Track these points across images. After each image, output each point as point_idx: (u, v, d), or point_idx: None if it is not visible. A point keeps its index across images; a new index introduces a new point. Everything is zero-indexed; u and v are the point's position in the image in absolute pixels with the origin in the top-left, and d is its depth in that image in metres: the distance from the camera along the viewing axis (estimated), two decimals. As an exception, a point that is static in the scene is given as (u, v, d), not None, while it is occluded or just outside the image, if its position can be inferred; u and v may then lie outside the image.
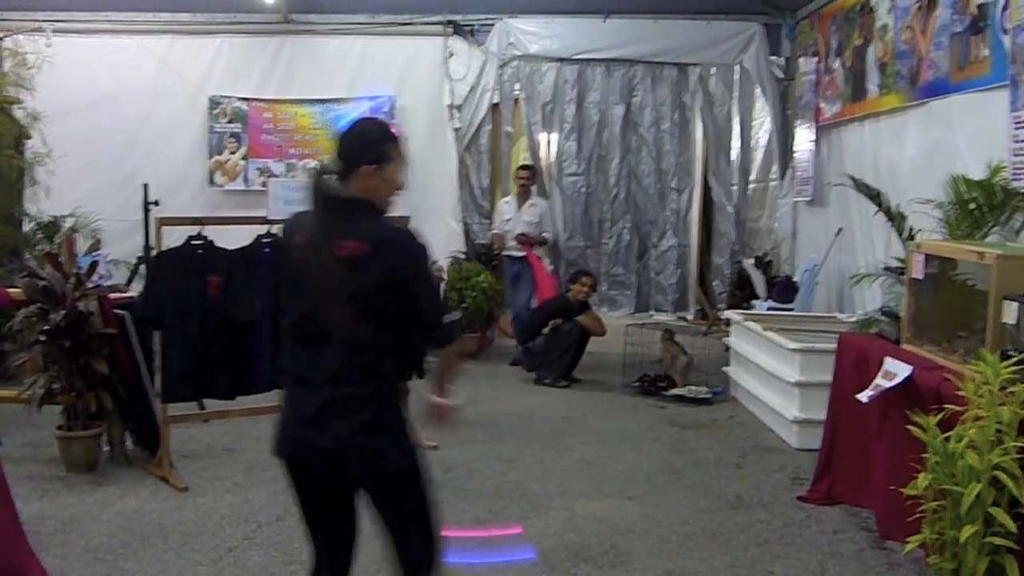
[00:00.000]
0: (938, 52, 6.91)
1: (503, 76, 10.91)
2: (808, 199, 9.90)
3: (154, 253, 6.19)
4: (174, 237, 5.99)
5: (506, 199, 10.12)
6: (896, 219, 6.42)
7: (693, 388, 8.16)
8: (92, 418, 6.02)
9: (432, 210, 10.43)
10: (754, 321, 7.87)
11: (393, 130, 3.20)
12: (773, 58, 10.82)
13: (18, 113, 9.01)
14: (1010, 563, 3.46)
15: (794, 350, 6.68)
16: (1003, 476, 3.43)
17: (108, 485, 5.75)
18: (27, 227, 9.19)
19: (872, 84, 8.19)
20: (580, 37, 10.85)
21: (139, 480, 5.85)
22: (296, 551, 4.50)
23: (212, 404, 6.12)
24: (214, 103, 10.65)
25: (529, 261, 9.64)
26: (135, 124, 10.54)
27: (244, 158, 10.74)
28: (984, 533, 3.49)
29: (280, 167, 10.70)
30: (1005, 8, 5.91)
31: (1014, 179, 5.68)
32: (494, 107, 11.08)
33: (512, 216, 9.70)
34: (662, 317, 11.20)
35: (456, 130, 10.74)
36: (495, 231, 9.99)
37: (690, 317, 11.52)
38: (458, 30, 10.76)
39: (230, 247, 5.92)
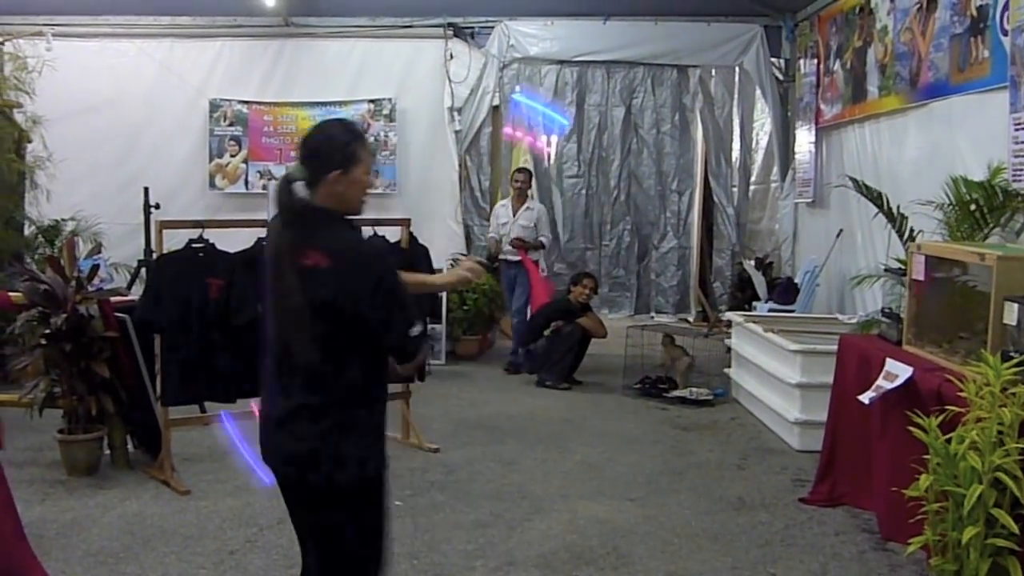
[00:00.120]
0: (938, 53, 6.91)
1: (503, 78, 10.90)
2: (809, 200, 9.90)
3: (155, 256, 6.20)
4: (175, 240, 6.00)
5: (502, 203, 10.05)
6: (897, 220, 6.42)
7: (694, 390, 8.16)
8: (93, 421, 6.03)
9: (433, 212, 10.46)
10: (755, 323, 7.87)
11: (358, 129, 3.15)
12: (773, 60, 10.82)
13: (19, 117, 9.01)
14: (1012, 564, 3.46)
15: (795, 351, 6.68)
16: (1005, 477, 3.43)
17: (109, 488, 5.75)
18: (28, 231, 9.20)
19: (872, 86, 8.19)
20: (580, 39, 10.85)
21: (140, 483, 5.85)
22: (297, 554, 4.48)
23: (213, 407, 6.12)
24: (214, 106, 10.65)
25: (524, 266, 9.56)
26: (136, 127, 10.54)
27: (245, 161, 10.75)
28: (986, 534, 3.49)
29: (281, 170, 10.67)
30: (1005, 9, 5.91)
31: (1014, 180, 5.69)
32: (494, 109, 11.07)
33: (508, 220, 9.63)
34: (663, 319, 11.21)
35: (456, 132, 10.73)
36: (491, 235, 9.94)
37: (691, 319, 11.53)
38: (458, 33, 10.76)
39: (231, 250, 5.93)
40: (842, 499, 5.49)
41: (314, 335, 2.88)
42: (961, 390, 3.80)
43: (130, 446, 6.31)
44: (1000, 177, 5.76)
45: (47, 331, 5.81)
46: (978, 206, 5.73)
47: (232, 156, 10.70)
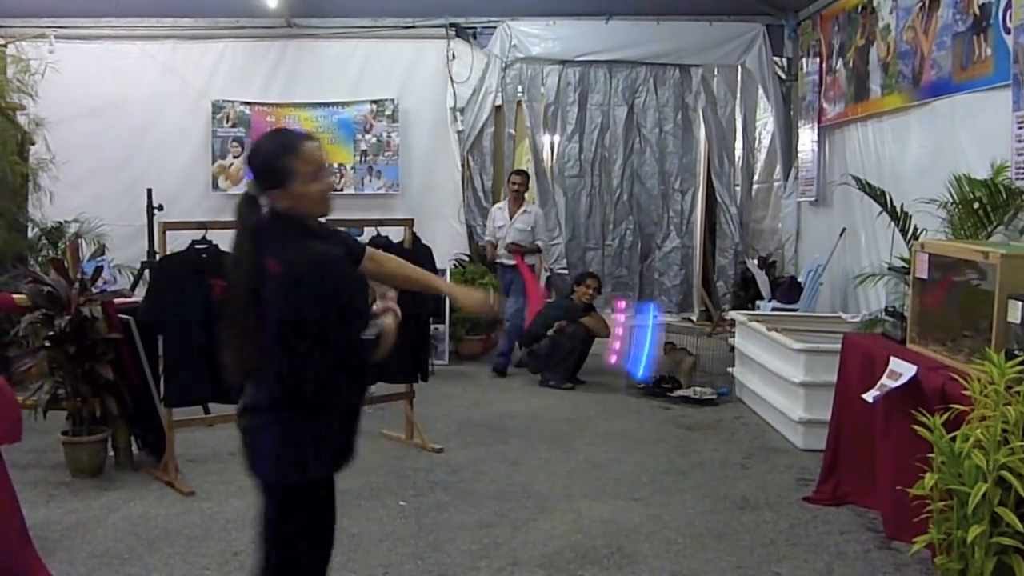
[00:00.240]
0: (940, 52, 6.91)
1: (506, 78, 10.90)
2: (812, 199, 9.90)
3: (158, 258, 6.20)
4: (178, 241, 6.00)
5: (499, 205, 9.98)
6: (900, 219, 6.42)
7: (698, 389, 8.16)
8: (97, 423, 6.04)
9: (436, 212, 10.47)
10: (758, 322, 7.86)
11: (294, 139, 3.05)
12: (776, 59, 10.81)
13: (22, 119, 9.03)
14: (1017, 563, 3.45)
15: (799, 350, 6.67)
16: (1009, 476, 3.43)
17: (114, 490, 5.76)
18: (31, 233, 9.21)
19: (875, 84, 8.19)
20: (582, 39, 10.85)
21: (145, 485, 5.85)
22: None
23: (217, 408, 6.12)
24: (217, 107, 10.65)
25: (520, 271, 9.46)
26: (138, 129, 10.54)
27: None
28: (991, 533, 3.48)
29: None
30: (1007, 8, 5.91)
31: (1017, 178, 5.69)
32: (497, 109, 11.07)
33: (504, 223, 9.55)
34: (666, 318, 11.19)
35: (459, 133, 10.74)
36: (487, 238, 9.87)
37: (694, 318, 11.51)
38: (460, 33, 10.76)
39: (234, 251, 5.92)
40: (846, 498, 5.49)
41: (264, 339, 2.94)
42: (965, 388, 3.80)
43: (134, 447, 6.32)
44: (1003, 175, 5.77)
45: (51, 333, 5.82)
46: (981, 204, 5.73)
47: (235, 157, 10.70)
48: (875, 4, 8.16)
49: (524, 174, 9.97)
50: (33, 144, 9.08)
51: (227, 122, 10.67)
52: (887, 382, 4.79)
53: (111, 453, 6.21)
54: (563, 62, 10.98)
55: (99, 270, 6.55)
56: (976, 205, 5.75)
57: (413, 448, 6.68)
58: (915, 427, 3.92)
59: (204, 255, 5.85)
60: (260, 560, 3.13)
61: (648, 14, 10.70)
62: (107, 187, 10.27)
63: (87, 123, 10.26)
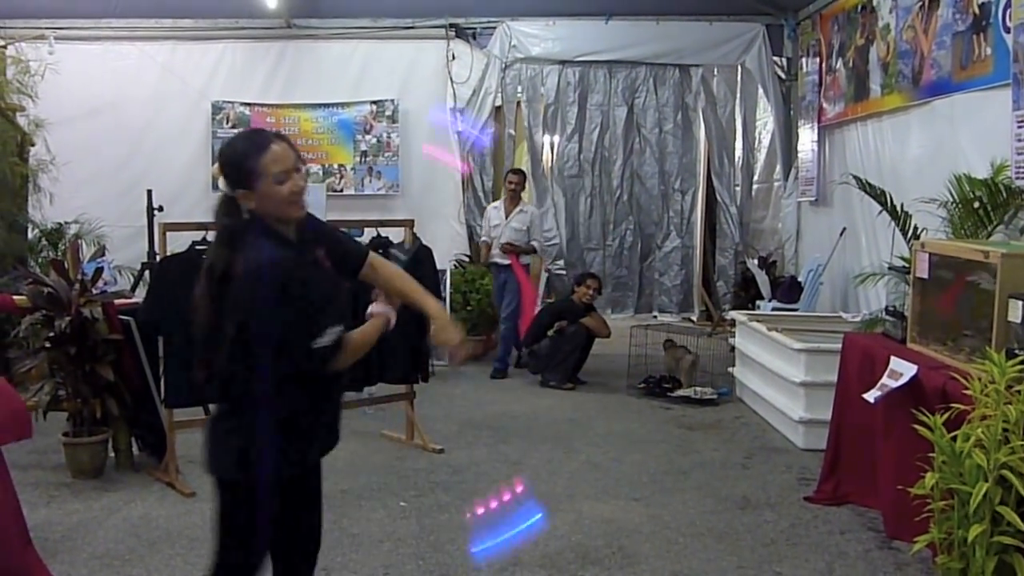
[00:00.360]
0: (940, 51, 6.91)
1: (505, 79, 10.90)
2: (812, 199, 9.90)
3: (158, 259, 6.20)
4: (178, 243, 6.00)
5: (494, 204, 9.91)
6: (900, 218, 6.42)
7: (699, 389, 8.17)
8: (98, 424, 6.04)
9: (436, 213, 10.46)
10: (759, 322, 7.87)
11: (264, 138, 3.01)
12: (775, 59, 10.81)
13: (21, 120, 9.03)
14: (1019, 562, 3.45)
15: (799, 350, 6.68)
16: (1010, 475, 3.42)
17: (115, 491, 5.76)
18: (31, 234, 9.21)
19: (874, 84, 8.19)
20: (582, 39, 10.84)
21: (145, 486, 5.85)
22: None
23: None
24: (217, 108, 10.64)
25: (514, 271, 9.40)
26: (138, 130, 10.53)
27: (247, 163, 10.73)
28: (992, 532, 3.48)
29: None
30: (1007, 7, 5.90)
31: (1017, 178, 5.68)
32: (497, 110, 11.07)
33: (500, 223, 9.50)
34: (666, 318, 11.20)
35: (459, 133, 10.74)
36: (482, 238, 9.82)
37: (694, 318, 11.52)
38: (460, 33, 10.76)
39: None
40: (847, 498, 5.49)
41: (216, 339, 2.96)
42: (966, 388, 3.79)
43: (135, 448, 6.33)
44: (1003, 175, 5.77)
45: (51, 334, 5.82)
46: (982, 203, 5.73)
47: (235, 158, 10.67)
48: (875, 4, 8.16)
49: (521, 173, 9.94)
50: (33, 145, 9.08)
51: (227, 123, 10.65)
52: (888, 382, 4.79)
53: (112, 454, 6.21)
54: (563, 62, 10.98)
55: (99, 271, 6.54)
56: (976, 204, 5.75)
57: (414, 449, 6.69)
58: (916, 426, 3.91)
59: (204, 256, 5.83)
60: (210, 565, 3.16)
61: (648, 14, 10.69)
62: (107, 188, 10.26)
63: (87, 124, 10.25)
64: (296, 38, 10.77)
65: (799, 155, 10.32)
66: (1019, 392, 3.58)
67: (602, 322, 9.08)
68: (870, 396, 4.88)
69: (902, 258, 6.23)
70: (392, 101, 10.70)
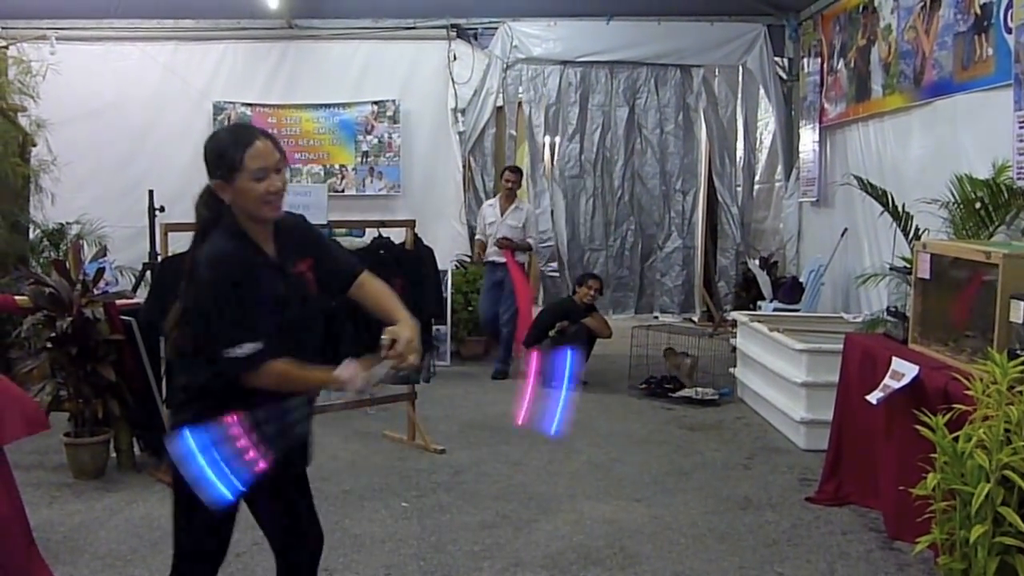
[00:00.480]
0: (942, 52, 6.91)
1: (507, 79, 10.90)
2: (813, 200, 9.90)
3: (160, 259, 6.20)
4: (180, 243, 5.96)
5: (489, 202, 9.86)
6: (902, 219, 6.42)
7: (700, 390, 8.17)
8: (99, 424, 6.04)
9: (437, 213, 10.47)
10: (760, 322, 7.86)
11: (248, 134, 2.99)
12: (777, 59, 10.81)
13: (23, 121, 9.03)
14: (1020, 563, 3.45)
15: (801, 351, 6.67)
16: (1012, 475, 3.42)
17: (116, 491, 5.76)
18: (33, 235, 9.21)
19: (876, 84, 8.19)
20: (583, 40, 10.85)
21: (147, 486, 5.85)
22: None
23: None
24: (218, 109, 10.65)
25: (509, 269, 9.28)
26: (139, 130, 10.55)
27: (248, 163, 10.73)
28: (994, 533, 3.48)
29: (284, 172, 10.67)
30: (1008, 7, 5.91)
31: (1019, 178, 5.68)
32: (498, 110, 11.07)
33: (495, 220, 9.42)
34: (668, 319, 11.20)
35: (460, 134, 10.75)
36: (477, 236, 9.74)
37: (696, 319, 11.52)
38: (461, 34, 10.77)
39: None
40: (849, 498, 5.49)
41: (177, 336, 3.01)
42: (968, 388, 3.79)
43: (136, 449, 6.32)
44: (1005, 175, 5.77)
45: (53, 334, 5.82)
46: (983, 204, 5.73)
47: (236, 158, 10.68)
48: (876, 4, 8.16)
49: (518, 171, 9.88)
50: (34, 145, 9.08)
51: (228, 123, 10.65)
52: (890, 382, 4.79)
53: (113, 454, 6.21)
54: (564, 63, 10.98)
55: (101, 271, 6.55)
56: (978, 205, 5.75)
57: (415, 449, 6.69)
58: (917, 427, 3.91)
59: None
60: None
61: (649, 15, 10.70)
62: (108, 188, 10.27)
63: (88, 124, 10.27)
64: (297, 38, 10.78)
65: (800, 155, 10.32)
66: (1021, 393, 3.58)
67: (603, 322, 9.08)
68: (872, 397, 4.87)
69: (903, 259, 6.22)
70: (393, 101, 10.71)
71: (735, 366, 8.41)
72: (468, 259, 10.39)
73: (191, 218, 3.12)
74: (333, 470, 6.10)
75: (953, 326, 4.83)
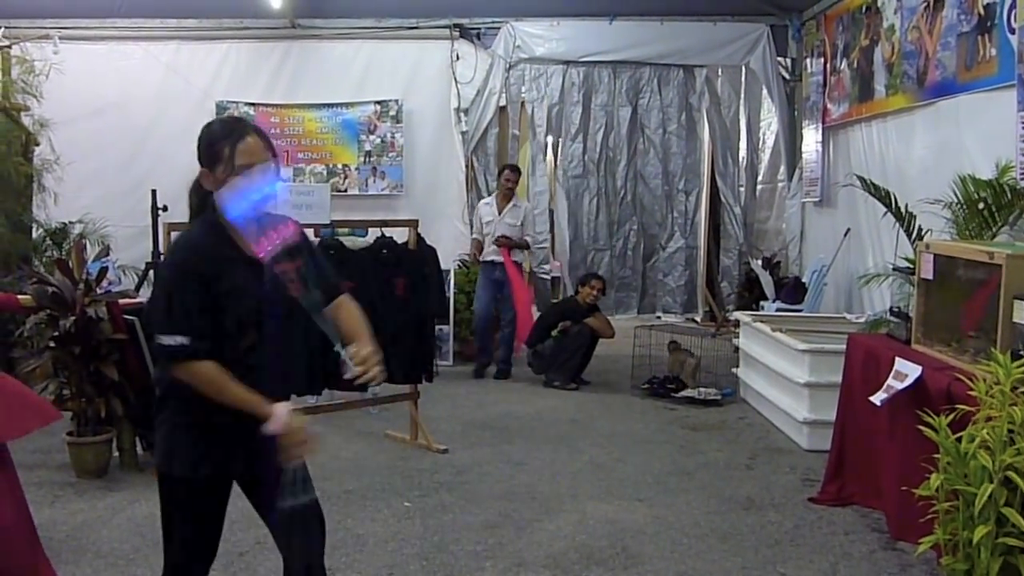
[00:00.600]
0: (945, 52, 6.90)
1: (509, 79, 10.90)
2: (816, 200, 9.90)
3: (163, 258, 6.20)
4: (183, 242, 5.99)
5: (486, 200, 9.77)
6: (905, 219, 6.41)
7: (703, 390, 8.16)
8: (102, 424, 6.05)
9: (440, 213, 10.47)
10: (763, 322, 7.86)
11: (240, 128, 3.00)
12: (780, 59, 10.80)
13: (26, 120, 9.04)
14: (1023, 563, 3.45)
15: (803, 351, 6.67)
16: (1015, 476, 3.42)
17: (119, 491, 5.77)
18: (36, 234, 9.21)
19: (879, 84, 8.19)
20: (586, 39, 10.85)
21: (150, 485, 5.81)
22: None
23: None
24: (221, 108, 10.63)
25: (506, 269, 9.25)
26: (142, 130, 10.55)
27: (251, 163, 10.73)
28: (997, 533, 3.47)
29: (288, 172, 10.70)
30: (1012, 8, 5.90)
31: (1022, 179, 5.68)
32: (501, 110, 11.07)
33: (493, 219, 9.35)
34: (670, 319, 11.19)
35: (463, 133, 10.75)
36: (473, 235, 9.68)
37: (698, 319, 11.51)
38: (464, 34, 10.76)
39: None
40: (851, 499, 5.48)
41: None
42: (971, 389, 3.79)
43: (139, 448, 6.32)
44: (1008, 175, 5.76)
45: (56, 334, 5.83)
46: (986, 204, 5.72)
47: (239, 158, 10.68)
48: (879, 4, 8.15)
49: (518, 170, 9.79)
50: (37, 145, 9.08)
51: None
52: (894, 383, 4.79)
53: (116, 454, 6.22)
54: (567, 63, 10.97)
55: (104, 271, 6.56)
56: (981, 205, 5.74)
57: (418, 449, 6.69)
58: (920, 427, 3.91)
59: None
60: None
61: (652, 14, 10.70)
62: (111, 188, 10.28)
63: (91, 124, 10.27)
64: (300, 38, 10.79)
65: (803, 156, 10.31)
66: (1024, 393, 3.58)
67: (606, 322, 9.08)
68: (876, 399, 4.87)
69: (906, 259, 6.22)
70: (396, 101, 10.71)
71: (738, 366, 8.40)
72: (471, 258, 10.39)
73: (194, 218, 3.13)
74: (335, 470, 6.10)
75: (956, 327, 4.83)
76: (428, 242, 7.01)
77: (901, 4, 7.68)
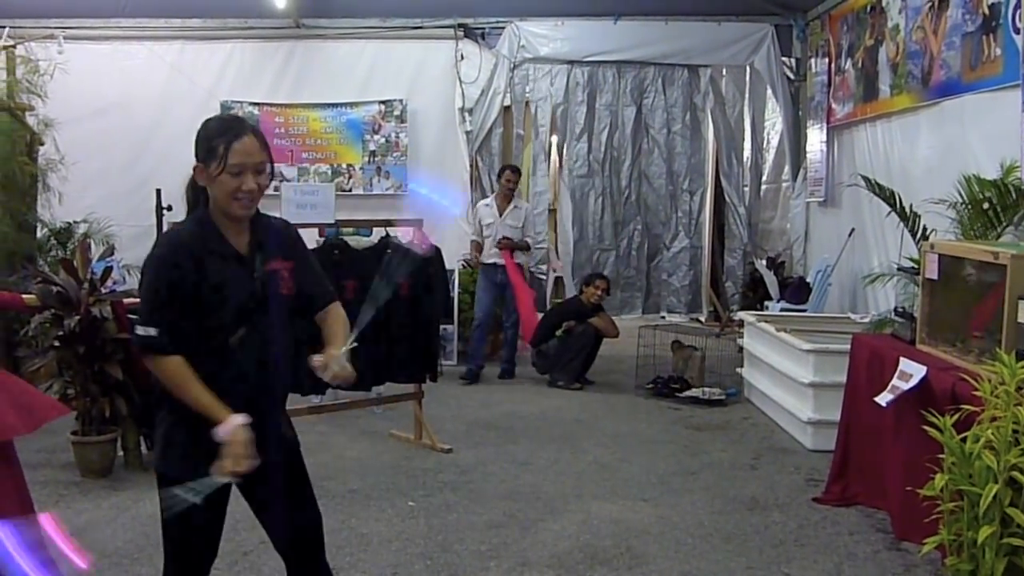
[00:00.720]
0: (950, 52, 6.89)
1: (514, 79, 10.90)
2: (820, 200, 9.89)
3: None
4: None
5: (485, 201, 9.67)
6: (909, 219, 6.41)
7: (707, 390, 8.16)
8: (107, 423, 6.06)
9: (444, 213, 10.45)
10: (767, 322, 7.85)
11: (238, 127, 3.01)
12: (784, 59, 10.80)
13: (30, 120, 9.04)
14: (1028, 564, 3.45)
15: (808, 351, 6.66)
16: (1020, 476, 3.41)
17: (123, 490, 5.77)
18: (40, 233, 9.21)
19: (884, 84, 8.18)
20: (591, 39, 10.85)
21: (154, 485, 5.79)
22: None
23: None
24: (226, 108, 10.63)
25: (508, 271, 9.17)
26: (147, 129, 10.57)
27: (256, 163, 10.74)
28: (1001, 534, 3.47)
29: (292, 171, 10.73)
30: (1017, 7, 5.90)
31: (1027, 179, 5.67)
32: (505, 110, 11.07)
33: (493, 220, 9.27)
34: (675, 319, 11.19)
35: (467, 133, 10.75)
36: (473, 237, 9.60)
37: (703, 319, 11.51)
38: (469, 33, 10.77)
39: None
40: (856, 499, 5.48)
41: None
42: (976, 389, 3.78)
43: (144, 448, 6.33)
44: (1013, 175, 5.76)
45: (60, 333, 5.84)
46: (991, 204, 5.71)
47: (243, 158, 10.69)
48: (884, 4, 8.15)
49: (518, 171, 9.74)
50: (42, 144, 9.08)
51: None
52: (898, 384, 4.78)
53: (120, 453, 6.23)
54: (571, 62, 10.97)
55: (108, 270, 6.57)
56: (986, 205, 5.73)
57: (422, 448, 6.69)
58: (925, 428, 3.91)
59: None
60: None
61: (656, 14, 10.70)
62: (116, 187, 10.30)
63: (96, 123, 10.30)
64: (305, 38, 10.80)
65: (808, 156, 10.31)
66: (1029, 394, 3.57)
67: (610, 322, 9.07)
68: (882, 399, 4.86)
69: (911, 259, 6.22)
70: (401, 101, 10.72)
71: (742, 366, 8.40)
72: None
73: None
74: (339, 469, 6.10)
75: (961, 327, 4.83)
76: (432, 242, 7.00)
77: (906, 4, 7.68)
